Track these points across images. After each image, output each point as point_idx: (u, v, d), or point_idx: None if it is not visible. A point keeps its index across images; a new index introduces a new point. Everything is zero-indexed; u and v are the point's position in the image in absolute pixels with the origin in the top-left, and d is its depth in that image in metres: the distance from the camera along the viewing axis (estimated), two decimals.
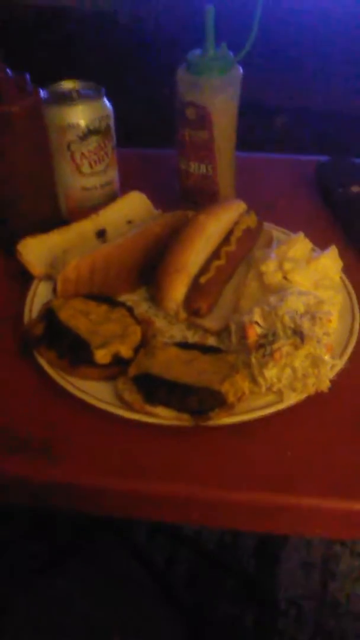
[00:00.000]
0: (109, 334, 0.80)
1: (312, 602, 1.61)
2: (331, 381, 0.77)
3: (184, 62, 0.96)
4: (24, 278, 0.93)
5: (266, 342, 0.77)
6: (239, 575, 1.68)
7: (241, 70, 0.97)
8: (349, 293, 0.90)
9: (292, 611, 1.59)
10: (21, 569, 1.17)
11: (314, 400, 0.76)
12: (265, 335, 0.78)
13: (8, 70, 0.88)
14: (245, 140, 1.09)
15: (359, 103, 2.55)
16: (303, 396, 0.76)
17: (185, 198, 1.08)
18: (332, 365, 0.78)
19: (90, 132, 0.97)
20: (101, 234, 0.99)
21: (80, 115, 0.96)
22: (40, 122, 0.93)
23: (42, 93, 0.93)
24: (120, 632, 1.04)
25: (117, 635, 1.03)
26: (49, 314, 0.82)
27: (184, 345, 0.81)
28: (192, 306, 0.85)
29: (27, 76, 0.89)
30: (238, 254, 0.92)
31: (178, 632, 1.14)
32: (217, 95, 0.95)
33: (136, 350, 0.79)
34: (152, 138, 1.31)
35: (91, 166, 1.01)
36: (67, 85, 1.00)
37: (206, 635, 1.47)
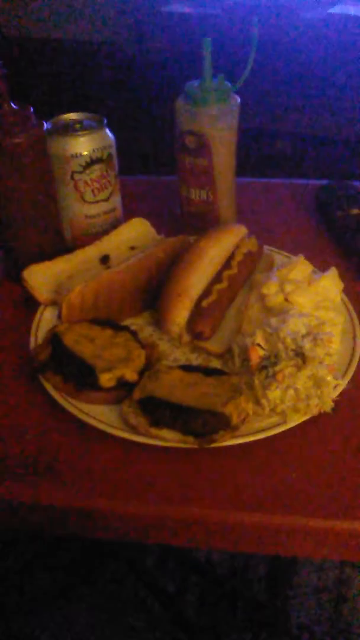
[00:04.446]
0: (113, 358, 0.81)
1: (324, 627, 1.59)
2: (334, 401, 0.77)
3: (182, 92, 0.99)
4: (30, 304, 0.95)
5: (269, 364, 0.78)
6: (250, 600, 1.65)
7: (239, 100, 0.99)
8: (350, 314, 0.91)
9: (304, 637, 1.57)
10: (28, 599, 1.17)
11: (318, 421, 0.77)
12: (267, 357, 0.79)
13: (12, 103, 0.90)
14: (246, 165, 1.11)
15: (358, 128, 2.58)
16: (306, 417, 0.76)
17: (186, 223, 1.10)
18: (334, 386, 0.78)
19: (93, 161, 1.00)
20: (105, 260, 1.01)
21: (82, 146, 0.98)
22: (44, 153, 0.95)
23: (46, 125, 0.96)
24: None
25: None
26: (54, 339, 0.83)
27: (188, 368, 0.82)
28: (195, 329, 0.86)
29: (31, 109, 0.92)
30: (239, 278, 0.93)
31: None
32: (215, 124, 0.97)
33: (141, 374, 0.80)
34: (154, 165, 1.34)
35: (94, 194, 1.03)
36: (70, 116, 1.03)
37: None
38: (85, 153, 0.99)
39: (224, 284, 0.90)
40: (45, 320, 0.92)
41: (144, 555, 1.65)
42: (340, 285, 0.92)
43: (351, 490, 0.71)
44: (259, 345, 0.79)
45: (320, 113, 2.58)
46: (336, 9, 2.65)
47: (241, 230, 0.99)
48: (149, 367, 0.82)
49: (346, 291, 0.93)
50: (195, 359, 0.88)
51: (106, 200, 1.05)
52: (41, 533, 1.12)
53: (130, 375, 0.79)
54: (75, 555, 1.32)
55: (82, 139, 0.98)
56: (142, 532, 0.76)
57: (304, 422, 0.76)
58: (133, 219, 1.07)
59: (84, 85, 2.68)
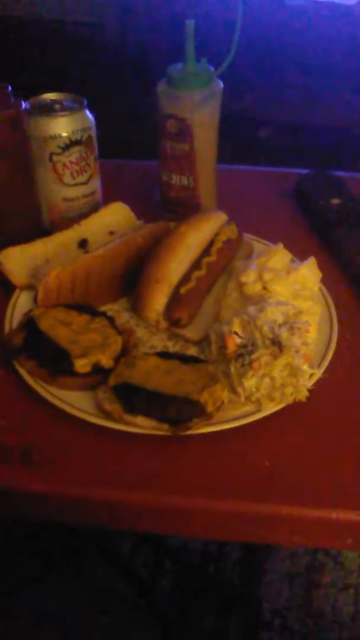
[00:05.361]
0: (89, 344, 0.80)
1: (296, 613, 1.61)
2: (309, 391, 0.78)
3: (164, 75, 0.97)
4: (5, 288, 0.93)
5: (245, 352, 0.78)
6: (224, 586, 1.67)
7: (221, 85, 0.98)
8: (327, 304, 0.91)
9: (276, 622, 1.59)
10: (3, 584, 1.16)
11: (293, 410, 0.77)
12: (244, 345, 0.79)
13: None
14: (227, 152, 1.10)
15: (341, 117, 2.59)
16: (281, 406, 0.77)
17: (166, 209, 1.09)
18: (310, 375, 0.79)
19: (72, 143, 0.98)
20: (83, 244, 0.99)
21: (62, 127, 0.96)
22: (22, 133, 0.93)
23: (24, 104, 0.93)
24: None
25: None
26: (29, 323, 0.82)
27: (165, 355, 0.81)
28: (173, 316, 0.85)
29: (9, 87, 0.90)
30: (218, 265, 0.93)
31: None
32: (197, 108, 0.96)
33: (116, 360, 0.79)
34: (134, 149, 1.32)
35: (73, 177, 1.01)
36: (50, 96, 1.00)
37: None
38: (64, 134, 0.97)
39: (202, 271, 0.89)
40: (20, 304, 0.91)
41: (118, 541, 1.65)
42: (318, 274, 0.92)
43: (324, 479, 0.71)
44: (236, 333, 0.79)
45: (303, 101, 2.58)
46: None
47: (221, 218, 0.99)
48: (125, 354, 0.81)
49: (324, 281, 0.93)
50: (173, 346, 0.87)
51: (85, 183, 1.03)
52: (14, 519, 1.11)
53: (106, 361, 0.78)
54: (49, 541, 1.32)
55: (61, 120, 0.96)
56: (115, 518, 0.75)
57: (279, 411, 0.76)
58: (113, 204, 1.05)
59: (65, 66, 2.64)
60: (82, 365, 0.77)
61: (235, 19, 0.91)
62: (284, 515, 0.70)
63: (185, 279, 0.88)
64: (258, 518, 0.71)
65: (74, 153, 0.99)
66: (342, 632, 1.59)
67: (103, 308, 0.91)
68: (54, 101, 0.99)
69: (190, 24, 0.92)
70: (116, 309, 0.93)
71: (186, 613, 1.57)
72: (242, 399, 0.77)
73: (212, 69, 0.97)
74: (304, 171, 1.24)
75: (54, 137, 0.97)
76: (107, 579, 1.29)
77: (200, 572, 1.71)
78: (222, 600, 1.62)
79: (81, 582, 1.17)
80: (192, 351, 0.86)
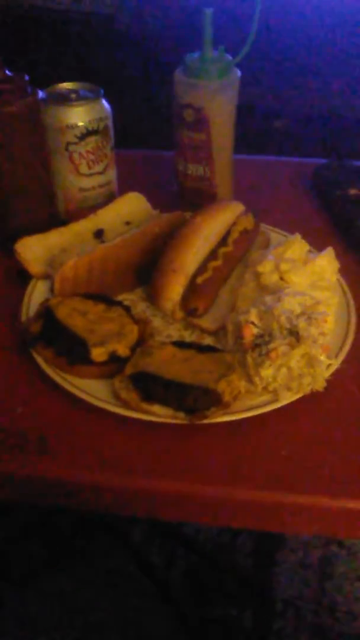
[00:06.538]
0: (106, 333, 0.80)
1: (309, 603, 1.61)
2: (327, 381, 0.77)
3: (181, 64, 0.97)
4: (22, 277, 0.93)
5: (262, 342, 0.78)
6: (237, 575, 1.68)
7: (239, 73, 0.98)
8: (345, 294, 0.90)
9: (289, 612, 1.59)
10: (18, 568, 1.17)
11: (310, 400, 0.77)
12: (261, 335, 0.78)
13: (7, 71, 0.88)
14: (244, 142, 1.10)
15: (358, 106, 2.56)
16: (298, 395, 0.76)
17: (183, 199, 1.09)
18: (327, 365, 0.78)
19: (88, 132, 0.98)
20: (99, 234, 1.00)
21: (78, 116, 0.97)
22: (39, 123, 0.93)
23: (41, 94, 0.94)
24: (117, 632, 1.05)
25: (114, 634, 1.04)
26: (46, 312, 0.82)
27: (181, 345, 0.82)
28: (189, 306, 0.85)
29: (26, 77, 0.90)
30: (235, 255, 0.93)
31: (176, 632, 1.14)
32: (214, 97, 0.95)
33: (133, 349, 0.80)
34: (150, 139, 1.32)
35: (89, 167, 1.01)
36: (66, 86, 1.00)
37: (204, 636, 1.47)
38: (80, 124, 0.97)
39: (219, 261, 0.89)
40: (37, 293, 0.91)
41: (132, 528, 1.66)
42: (336, 265, 0.91)
43: (341, 469, 0.71)
44: (252, 323, 0.79)
45: (320, 91, 2.55)
46: None
47: (238, 208, 0.98)
48: (141, 343, 0.81)
49: (342, 271, 0.92)
50: (189, 336, 0.87)
51: (101, 173, 1.03)
52: (31, 505, 1.12)
53: (123, 350, 0.79)
54: (65, 527, 1.33)
55: (78, 109, 0.96)
56: (131, 505, 0.76)
57: (296, 401, 0.76)
58: (129, 194, 1.05)
59: (81, 56, 2.64)
60: (99, 354, 0.77)
61: (254, 7, 0.90)
62: (302, 504, 0.70)
63: (201, 269, 0.88)
64: (275, 507, 0.71)
65: (90, 143, 0.99)
66: (355, 622, 1.59)
67: (119, 297, 0.91)
68: (70, 90, 0.99)
69: (208, 12, 0.91)
70: (132, 298, 0.93)
71: (199, 602, 1.58)
72: (259, 388, 0.77)
73: (230, 57, 0.96)
74: (321, 161, 1.23)
75: (71, 127, 0.97)
76: (121, 565, 1.30)
77: (214, 562, 1.71)
78: (235, 590, 1.63)
79: (95, 569, 1.18)
80: (208, 341, 0.86)
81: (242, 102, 1.00)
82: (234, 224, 0.96)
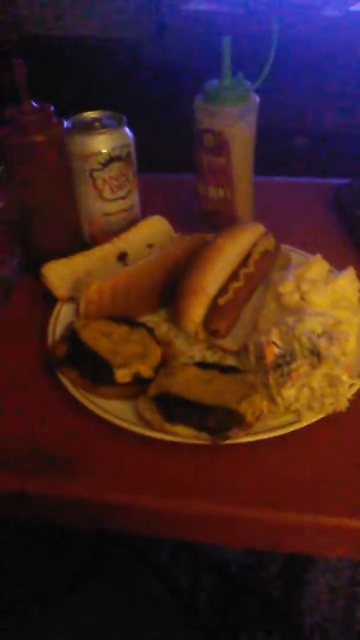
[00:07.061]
0: (129, 354, 0.81)
1: (337, 627, 1.58)
2: (349, 401, 0.77)
3: (201, 91, 0.99)
4: (48, 300, 0.96)
5: (284, 362, 0.78)
6: (264, 598, 1.65)
7: (258, 99, 0.99)
8: None
9: (317, 635, 1.57)
10: (41, 589, 1.18)
11: (332, 420, 0.77)
12: (283, 356, 0.79)
13: (33, 102, 0.92)
14: (264, 163, 1.11)
15: None
16: (321, 415, 0.77)
17: (204, 221, 1.10)
18: (350, 385, 0.78)
19: (112, 159, 1.01)
20: (122, 257, 1.02)
21: (102, 144, 0.99)
22: (64, 151, 0.96)
23: (65, 123, 0.97)
24: None
25: None
26: (71, 335, 0.84)
27: (203, 365, 0.82)
28: (211, 327, 0.86)
29: (52, 107, 0.93)
30: (256, 276, 0.94)
31: None
32: (234, 123, 0.97)
33: (156, 370, 0.81)
34: (172, 163, 1.34)
35: (113, 192, 1.04)
36: (90, 115, 1.03)
37: None
38: (104, 151, 1.00)
39: (240, 282, 0.90)
40: (63, 316, 0.93)
41: (157, 548, 1.66)
42: (357, 284, 0.91)
43: None
44: (274, 343, 0.80)
45: (339, 111, 2.56)
46: (357, 7, 2.62)
47: (259, 229, 1.00)
48: (164, 364, 0.83)
49: None
50: (211, 357, 0.88)
51: (124, 197, 1.06)
52: (51, 525, 1.13)
53: (146, 371, 0.80)
54: (86, 549, 1.33)
55: (101, 137, 0.99)
56: (156, 526, 0.77)
57: (319, 421, 0.76)
58: (151, 217, 1.07)
59: (104, 84, 2.70)
60: (122, 375, 0.79)
61: (272, 33, 0.93)
62: (327, 525, 0.70)
63: (223, 290, 0.89)
64: (300, 529, 0.71)
65: (114, 169, 1.02)
66: None
67: (142, 319, 0.93)
68: (94, 119, 1.02)
69: (227, 39, 0.94)
70: (155, 320, 0.94)
71: (226, 625, 1.56)
72: (282, 409, 0.77)
73: (249, 83, 0.98)
74: (342, 181, 1.23)
75: (95, 154, 1.00)
76: (147, 587, 1.30)
77: (240, 584, 1.69)
78: (262, 613, 1.61)
79: (120, 591, 1.18)
80: (230, 361, 0.87)
81: (261, 123, 1.02)
82: (255, 245, 0.97)
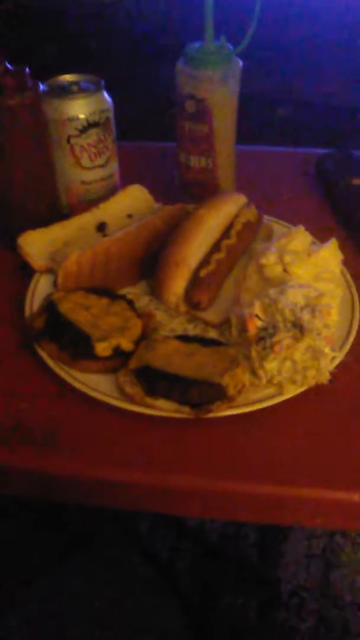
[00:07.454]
0: (109, 327, 0.80)
1: (314, 593, 1.62)
2: (331, 373, 0.77)
3: (183, 55, 0.96)
4: (25, 272, 0.93)
5: (266, 335, 0.77)
6: (242, 566, 1.69)
7: (241, 63, 0.97)
8: (349, 286, 0.90)
9: (294, 602, 1.60)
10: (27, 562, 1.18)
11: (314, 393, 0.77)
12: (265, 328, 0.78)
13: (7, 64, 0.88)
14: (246, 132, 1.09)
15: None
16: (303, 388, 0.76)
17: (185, 191, 1.08)
18: (332, 358, 0.78)
19: (90, 125, 0.97)
20: (101, 228, 0.99)
21: (79, 109, 0.96)
22: (40, 116, 0.93)
23: (42, 87, 0.93)
24: (124, 623, 1.05)
25: (121, 626, 1.05)
26: (49, 307, 0.82)
27: (185, 338, 0.81)
28: (193, 299, 0.85)
29: (27, 70, 0.89)
30: (238, 247, 0.92)
31: (181, 624, 1.15)
32: (216, 88, 0.95)
33: (137, 343, 0.80)
34: (152, 131, 1.31)
35: (91, 159, 1.01)
36: (67, 78, 1.00)
37: (210, 627, 1.48)
38: (82, 116, 0.96)
39: (222, 254, 0.89)
40: (40, 287, 0.91)
41: (137, 521, 1.67)
42: (340, 256, 0.91)
43: (346, 462, 0.71)
44: (256, 316, 0.79)
45: (323, 79, 2.53)
46: None
47: (241, 199, 0.98)
48: (145, 337, 0.81)
49: (346, 263, 0.92)
50: (193, 329, 0.87)
51: (103, 166, 1.03)
52: (35, 500, 1.13)
53: (126, 344, 0.78)
54: (69, 523, 1.34)
55: (79, 102, 0.96)
56: (136, 500, 0.76)
57: (301, 394, 0.76)
58: (131, 186, 1.05)
59: (82, 47, 2.62)
60: (102, 348, 0.77)
61: None
62: (306, 497, 0.70)
63: (204, 261, 0.88)
64: (280, 500, 0.71)
65: (92, 135, 0.98)
66: (359, 612, 1.59)
67: (122, 291, 0.91)
68: (71, 83, 0.99)
69: (208, 1, 0.90)
70: (136, 292, 0.93)
71: (205, 593, 1.59)
72: (264, 382, 0.76)
73: (232, 47, 0.95)
74: (325, 151, 1.22)
75: (72, 119, 0.96)
76: (127, 559, 1.31)
77: (219, 553, 1.72)
78: (240, 581, 1.64)
79: (102, 563, 1.19)
80: (212, 334, 0.86)
81: (243, 92, 0.99)
82: (237, 216, 0.95)
